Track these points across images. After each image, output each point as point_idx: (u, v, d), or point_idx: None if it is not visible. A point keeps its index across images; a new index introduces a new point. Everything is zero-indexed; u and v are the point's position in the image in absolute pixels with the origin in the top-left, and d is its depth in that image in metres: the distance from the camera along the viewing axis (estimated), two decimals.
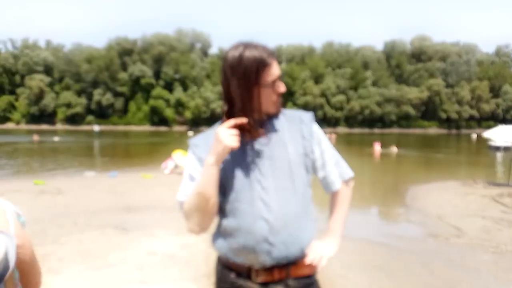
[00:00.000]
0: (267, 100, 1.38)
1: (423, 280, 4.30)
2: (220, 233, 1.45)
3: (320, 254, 1.42)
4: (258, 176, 1.37)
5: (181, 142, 24.28)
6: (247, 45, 1.36)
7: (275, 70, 1.37)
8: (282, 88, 1.40)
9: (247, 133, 1.38)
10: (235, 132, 1.34)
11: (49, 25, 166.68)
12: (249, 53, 1.33)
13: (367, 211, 8.20)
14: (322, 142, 1.49)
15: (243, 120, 1.35)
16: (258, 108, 1.37)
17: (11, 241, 0.99)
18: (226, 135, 1.32)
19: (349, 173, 1.57)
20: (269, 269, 1.37)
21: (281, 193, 1.37)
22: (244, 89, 1.34)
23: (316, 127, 1.50)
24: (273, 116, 1.45)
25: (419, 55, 78.26)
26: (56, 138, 35.48)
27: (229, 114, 1.38)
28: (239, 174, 1.38)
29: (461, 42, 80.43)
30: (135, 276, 3.97)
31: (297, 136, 1.44)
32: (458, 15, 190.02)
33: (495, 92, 74.52)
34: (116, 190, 9.51)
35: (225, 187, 1.40)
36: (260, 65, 1.33)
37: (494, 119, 70.78)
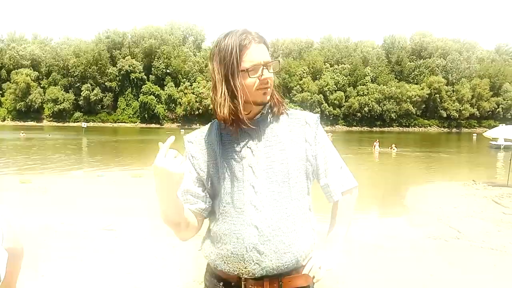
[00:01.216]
0: (249, 88, 1.24)
1: (422, 282, 4.22)
2: (209, 238, 1.36)
3: (318, 264, 1.32)
4: (252, 179, 1.26)
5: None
6: (229, 33, 1.25)
7: (256, 54, 1.23)
8: (265, 74, 1.25)
9: (238, 124, 1.25)
10: (174, 154, 1.14)
11: (37, 18, 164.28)
12: (228, 40, 1.23)
13: (365, 212, 8.09)
14: (326, 147, 1.38)
15: (171, 140, 1.13)
16: (242, 97, 1.23)
17: (1, 253, 0.97)
18: (168, 163, 1.11)
19: (352, 182, 1.45)
20: (259, 280, 1.27)
21: (276, 198, 1.26)
22: (224, 77, 1.23)
23: (321, 130, 1.38)
24: (274, 114, 1.34)
25: (419, 51, 77.59)
26: (46, 135, 35.19)
27: (215, 105, 1.27)
28: (231, 176, 1.28)
29: (461, 39, 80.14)
30: (124, 281, 3.85)
31: (300, 139, 1.33)
32: (458, 11, 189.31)
33: (495, 90, 74.30)
34: (104, 190, 9.37)
35: (217, 190, 1.31)
36: (235, 50, 1.21)
37: (494, 118, 70.72)
